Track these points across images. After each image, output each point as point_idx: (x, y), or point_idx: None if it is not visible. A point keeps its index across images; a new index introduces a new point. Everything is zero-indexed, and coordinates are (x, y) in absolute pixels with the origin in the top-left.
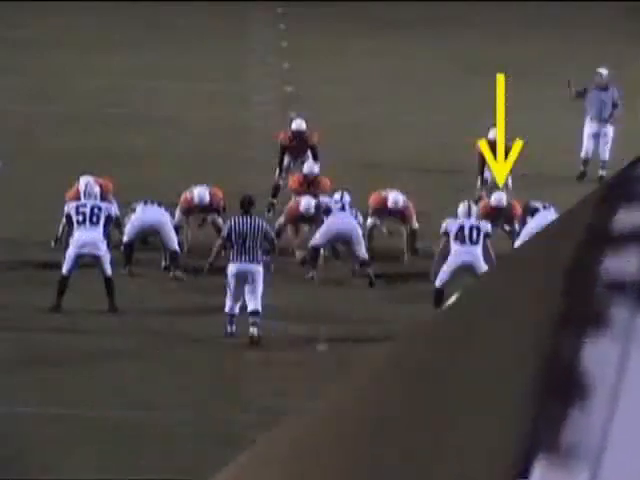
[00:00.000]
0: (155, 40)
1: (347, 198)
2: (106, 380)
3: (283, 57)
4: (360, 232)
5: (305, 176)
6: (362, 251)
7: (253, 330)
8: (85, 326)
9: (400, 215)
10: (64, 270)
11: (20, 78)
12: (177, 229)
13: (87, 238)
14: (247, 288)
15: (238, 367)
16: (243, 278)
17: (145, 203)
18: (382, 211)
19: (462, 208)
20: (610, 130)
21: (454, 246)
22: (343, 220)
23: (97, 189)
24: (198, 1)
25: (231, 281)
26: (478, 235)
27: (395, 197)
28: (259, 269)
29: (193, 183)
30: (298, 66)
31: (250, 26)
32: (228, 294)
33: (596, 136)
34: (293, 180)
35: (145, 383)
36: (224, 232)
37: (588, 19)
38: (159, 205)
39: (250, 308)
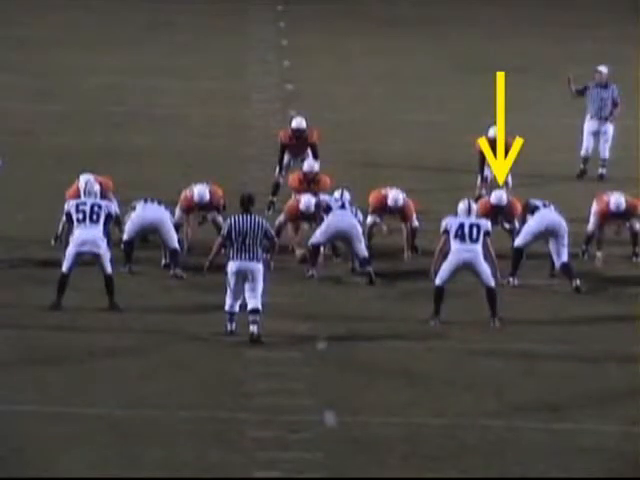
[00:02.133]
0: (155, 38)
1: (347, 196)
2: (106, 378)
3: (283, 55)
4: (360, 230)
5: (305, 174)
6: (362, 249)
7: (253, 328)
8: (85, 324)
9: (400, 213)
10: (64, 268)
11: (20, 76)
12: (177, 227)
13: (87, 236)
14: (247, 286)
15: (238, 365)
16: (243, 276)
17: (145, 201)
18: (382, 209)
19: (462, 206)
20: (610, 128)
21: (454, 244)
22: (343, 218)
23: (97, 187)
24: None
25: (231, 279)
26: (478, 233)
27: (395, 195)
28: (259, 267)
29: (193, 181)
30: (298, 64)
31: (250, 24)
32: (228, 292)
33: (596, 134)
34: (293, 178)
35: (145, 381)
36: (224, 230)
37: (588, 19)
38: (159, 203)
39: (250, 306)
